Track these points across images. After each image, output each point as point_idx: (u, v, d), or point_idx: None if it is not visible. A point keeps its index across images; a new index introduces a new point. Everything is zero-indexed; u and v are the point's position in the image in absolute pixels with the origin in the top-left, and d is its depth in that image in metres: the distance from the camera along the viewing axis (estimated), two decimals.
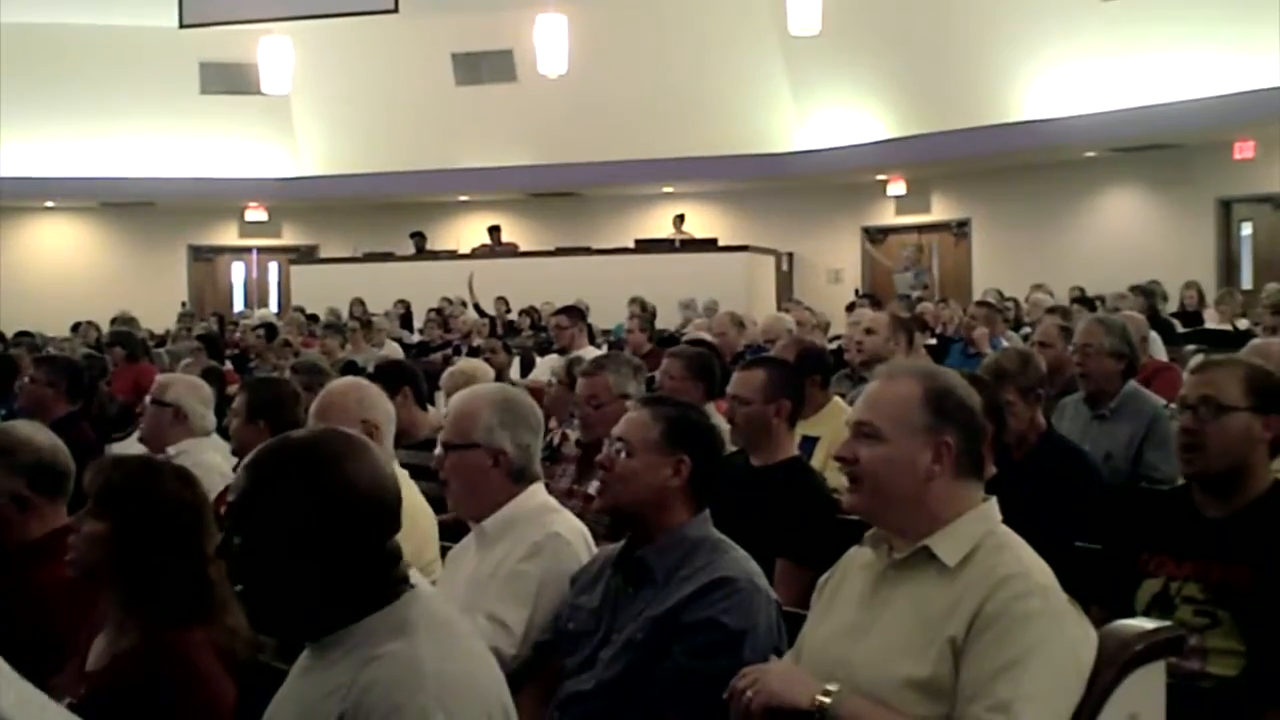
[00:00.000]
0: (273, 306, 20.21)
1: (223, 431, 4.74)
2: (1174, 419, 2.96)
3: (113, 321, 13.56)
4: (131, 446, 5.58)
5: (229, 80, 19.08)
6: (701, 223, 18.91)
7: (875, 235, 19.14)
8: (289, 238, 21.73)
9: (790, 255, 18.96)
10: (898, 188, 18.47)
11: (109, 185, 19.33)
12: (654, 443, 2.70)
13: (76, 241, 20.85)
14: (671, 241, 17.60)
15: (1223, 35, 13.31)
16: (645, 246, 16.98)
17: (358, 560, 1.89)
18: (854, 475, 2.28)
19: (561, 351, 8.09)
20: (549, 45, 15.05)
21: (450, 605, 2.40)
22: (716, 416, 3.72)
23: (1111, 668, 2.11)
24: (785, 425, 3.86)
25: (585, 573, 2.81)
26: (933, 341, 9.20)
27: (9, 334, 12.75)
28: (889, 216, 18.99)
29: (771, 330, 8.32)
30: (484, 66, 18.94)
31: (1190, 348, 8.24)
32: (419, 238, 19.01)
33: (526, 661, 2.79)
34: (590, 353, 7.00)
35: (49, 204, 20.37)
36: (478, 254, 17.94)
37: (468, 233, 19.68)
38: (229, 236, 21.61)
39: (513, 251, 18.04)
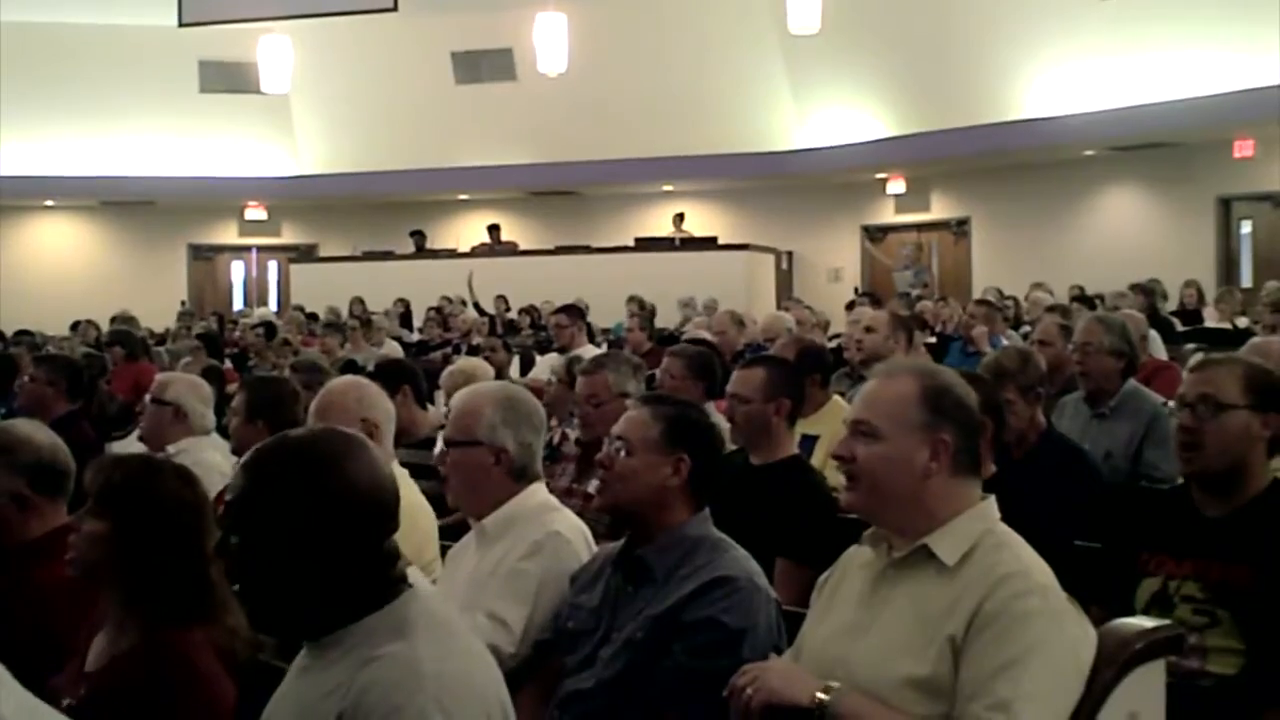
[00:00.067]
0: (272, 305, 20.22)
1: (222, 430, 4.74)
2: (1173, 417, 2.96)
3: (112, 320, 13.54)
4: (131, 445, 5.58)
5: (228, 79, 19.07)
6: (701, 221, 18.89)
7: (875, 234, 19.13)
8: (288, 236, 21.73)
9: (790, 254, 18.94)
10: (897, 186, 18.45)
11: (109, 184, 19.34)
12: (654, 441, 2.70)
13: (76, 240, 20.84)
14: (671, 240, 17.58)
15: (1222, 34, 13.31)
16: (645, 245, 16.98)
17: (356, 560, 1.89)
18: (851, 473, 2.28)
19: (561, 350, 8.09)
20: (549, 44, 15.03)
21: (449, 604, 2.40)
22: (716, 415, 3.72)
23: (1111, 666, 2.11)
24: (785, 424, 3.86)
25: (585, 571, 2.81)
26: (932, 340, 9.18)
27: (9, 333, 12.77)
28: (888, 215, 18.98)
29: (771, 329, 8.33)
30: (484, 65, 18.93)
31: (1190, 346, 8.24)
32: (419, 236, 19.01)
33: (526, 660, 2.78)
34: (590, 351, 7.00)
35: (49, 203, 20.37)
36: (477, 253, 17.93)
37: (467, 231, 19.66)
38: (229, 235, 21.61)
39: (512, 250, 18.02)
